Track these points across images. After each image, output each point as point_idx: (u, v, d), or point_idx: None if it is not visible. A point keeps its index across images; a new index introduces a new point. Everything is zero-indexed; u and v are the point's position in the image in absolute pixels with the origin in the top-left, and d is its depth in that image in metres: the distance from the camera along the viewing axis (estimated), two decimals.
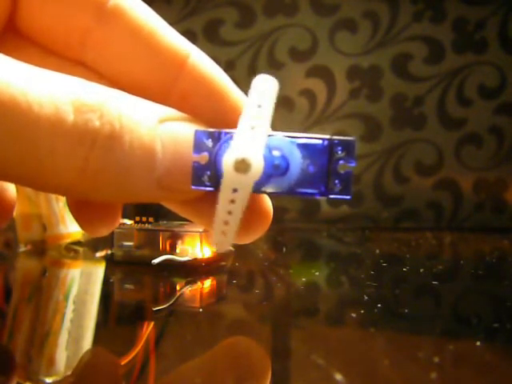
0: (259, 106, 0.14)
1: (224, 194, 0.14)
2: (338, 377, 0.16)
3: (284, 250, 0.46)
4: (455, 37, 0.62)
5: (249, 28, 0.61)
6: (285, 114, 0.61)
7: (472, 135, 0.63)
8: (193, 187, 0.14)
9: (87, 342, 0.21)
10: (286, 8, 0.61)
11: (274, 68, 0.61)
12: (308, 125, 0.62)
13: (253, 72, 0.59)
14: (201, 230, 0.32)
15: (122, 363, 0.17)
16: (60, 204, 0.40)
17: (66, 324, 0.22)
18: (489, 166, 0.63)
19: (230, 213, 0.14)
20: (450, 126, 0.62)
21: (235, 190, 0.13)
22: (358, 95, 0.62)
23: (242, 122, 0.14)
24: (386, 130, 0.62)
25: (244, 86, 0.16)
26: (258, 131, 0.13)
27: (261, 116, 0.14)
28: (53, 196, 0.39)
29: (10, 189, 0.17)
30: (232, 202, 0.14)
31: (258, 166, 0.13)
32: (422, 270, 0.35)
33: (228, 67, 0.61)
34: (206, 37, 0.61)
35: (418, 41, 0.62)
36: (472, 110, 0.62)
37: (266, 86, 0.14)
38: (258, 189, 0.14)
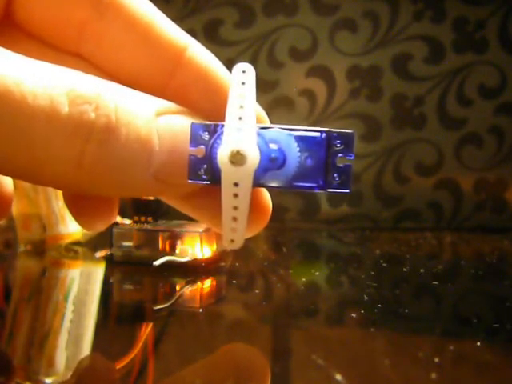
0: (242, 96, 0.14)
1: (226, 189, 0.13)
2: (338, 377, 0.16)
3: (284, 250, 0.46)
4: (455, 37, 0.61)
5: (249, 28, 0.61)
6: (285, 113, 0.61)
7: (472, 135, 0.62)
8: (189, 181, 0.14)
9: (87, 343, 0.21)
10: (286, 8, 0.61)
11: (274, 68, 0.61)
12: (308, 125, 0.61)
13: None
14: (200, 230, 0.32)
15: (121, 365, 0.17)
16: (60, 204, 0.39)
17: (66, 324, 0.22)
18: (489, 165, 0.63)
19: (235, 208, 0.14)
20: (450, 125, 0.62)
21: (236, 184, 0.13)
22: (358, 95, 0.62)
23: (229, 115, 0.14)
24: (386, 130, 0.62)
25: None
26: (246, 121, 0.13)
27: (246, 105, 0.13)
28: (52, 196, 0.39)
29: (7, 183, 0.17)
30: (235, 196, 0.13)
31: (253, 156, 0.13)
32: (422, 270, 0.35)
33: (228, 67, 0.60)
34: (206, 37, 0.61)
35: (418, 41, 0.61)
36: (472, 109, 0.62)
37: (245, 75, 0.14)
38: (255, 182, 0.14)
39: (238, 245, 0.14)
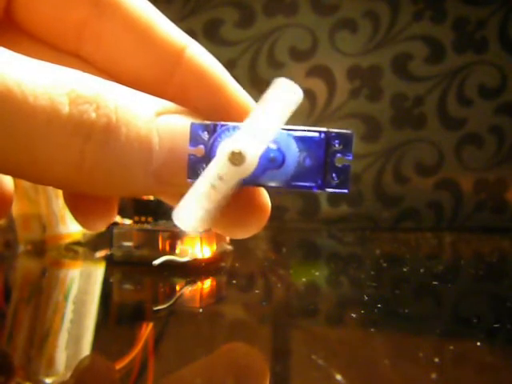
0: (268, 110, 0.13)
1: (216, 167, 0.13)
2: (338, 377, 0.16)
3: (284, 250, 0.46)
4: (455, 36, 0.61)
5: (249, 28, 0.61)
6: None
7: (472, 135, 0.63)
8: (189, 180, 0.14)
9: (87, 343, 0.21)
10: (286, 8, 0.61)
11: (274, 68, 0.61)
12: (308, 125, 0.61)
13: (253, 72, 0.59)
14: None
15: (121, 365, 0.17)
16: (60, 204, 0.39)
17: (66, 324, 0.22)
18: (489, 165, 0.63)
19: (213, 187, 0.13)
20: (450, 126, 0.62)
21: (221, 178, 0.13)
22: (358, 95, 0.62)
23: (252, 119, 0.13)
24: (386, 130, 0.62)
25: (244, 86, 0.16)
26: (264, 132, 0.13)
27: (272, 119, 0.13)
28: (53, 196, 0.39)
29: (8, 183, 0.17)
30: (213, 187, 0.13)
31: (251, 161, 0.13)
32: (422, 270, 0.35)
33: (228, 67, 0.60)
34: (206, 36, 0.61)
35: (418, 41, 0.61)
36: (472, 109, 0.62)
37: (285, 95, 0.14)
38: (253, 181, 0.14)
39: (203, 227, 0.13)
